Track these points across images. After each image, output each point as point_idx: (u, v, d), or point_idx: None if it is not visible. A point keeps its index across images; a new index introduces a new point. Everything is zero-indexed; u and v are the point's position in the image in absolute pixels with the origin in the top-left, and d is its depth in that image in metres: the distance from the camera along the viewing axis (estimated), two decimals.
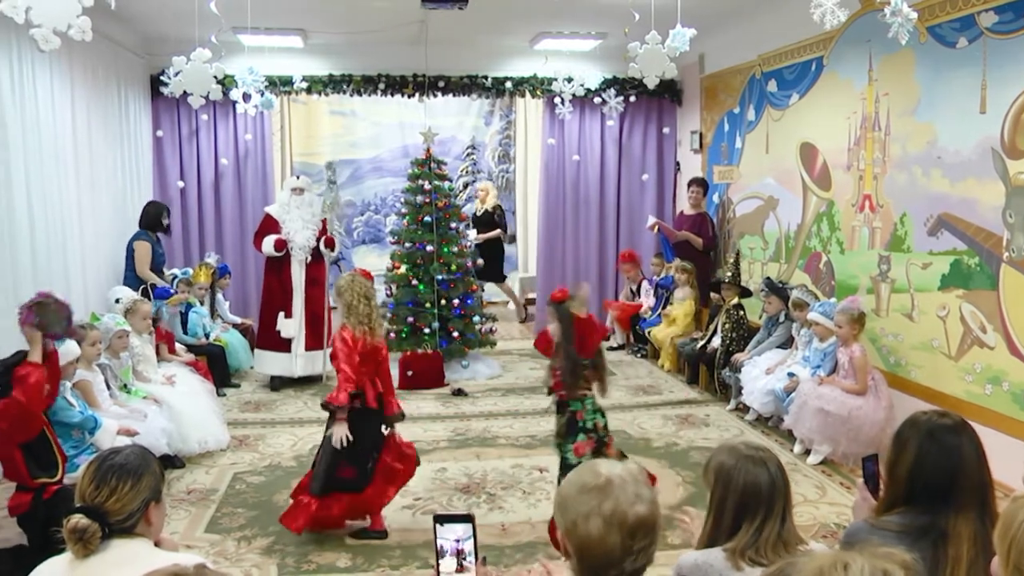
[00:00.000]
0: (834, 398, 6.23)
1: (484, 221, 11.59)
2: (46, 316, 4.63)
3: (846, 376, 6.36)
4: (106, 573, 2.36)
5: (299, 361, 8.60)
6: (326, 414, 5.08)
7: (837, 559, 1.54)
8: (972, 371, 5.93)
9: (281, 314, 8.53)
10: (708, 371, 8.30)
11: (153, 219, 8.60)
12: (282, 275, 8.57)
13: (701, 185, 9.77)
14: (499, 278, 11.89)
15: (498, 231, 11.69)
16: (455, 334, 8.83)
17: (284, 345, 8.56)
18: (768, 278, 7.94)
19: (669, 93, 10.78)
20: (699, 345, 8.44)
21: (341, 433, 4.84)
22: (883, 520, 2.66)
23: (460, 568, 2.30)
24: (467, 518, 2.32)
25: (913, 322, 6.51)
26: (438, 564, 2.29)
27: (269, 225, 8.57)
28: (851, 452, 6.13)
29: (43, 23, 4.22)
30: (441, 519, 2.32)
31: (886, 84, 6.73)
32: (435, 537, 2.31)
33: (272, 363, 8.64)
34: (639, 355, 9.99)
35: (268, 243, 8.44)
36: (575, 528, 2.05)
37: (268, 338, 8.64)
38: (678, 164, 11.10)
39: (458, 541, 2.29)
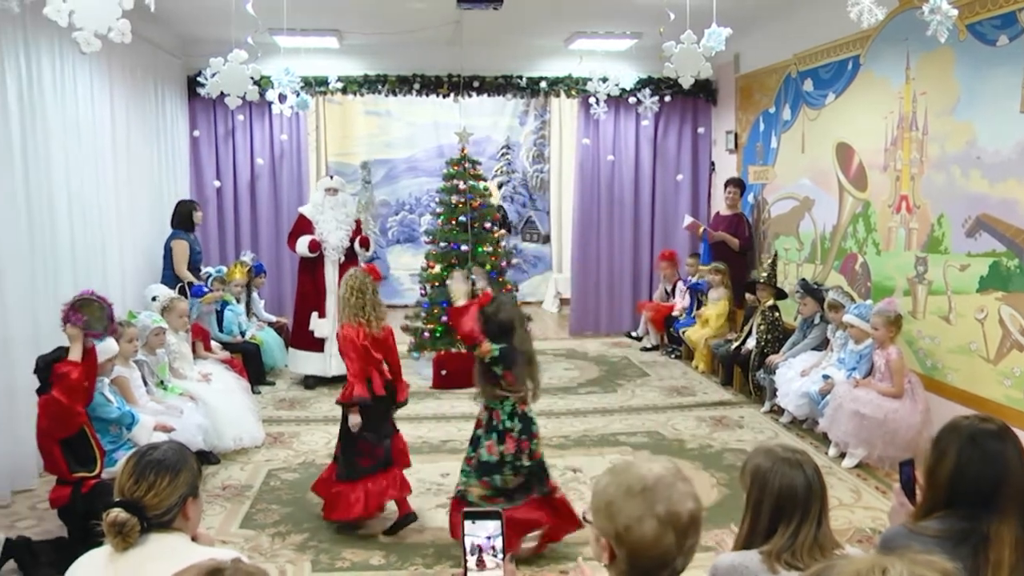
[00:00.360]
0: (870, 401, 6.18)
1: None
2: (90, 315, 4.72)
3: (882, 379, 6.30)
4: (144, 566, 2.39)
5: (332, 361, 8.64)
6: None
7: (875, 563, 1.52)
8: (1011, 375, 5.85)
9: (315, 314, 8.58)
10: (742, 372, 8.26)
11: (185, 217, 8.68)
12: (316, 275, 8.62)
13: (738, 185, 9.72)
14: None
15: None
16: None
17: (318, 345, 8.61)
18: (803, 279, 7.88)
19: (704, 93, 10.74)
20: (734, 346, 8.40)
21: (355, 420, 5.04)
22: (921, 525, 2.63)
23: (481, 563, 2.30)
24: (497, 515, 2.32)
25: (950, 325, 6.43)
26: (466, 561, 2.29)
27: (303, 225, 8.62)
28: (887, 456, 6.07)
29: (85, 26, 4.29)
30: (472, 516, 2.33)
31: (924, 83, 6.66)
32: (464, 534, 2.31)
33: (306, 362, 8.70)
34: (673, 356, 9.95)
35: (302, 244, 8.49)
36: (628, 532, 2.01)
37: (302, 337, 8.70)
38: (713, 164, 11.05)
39: (489, 538, 2.29)
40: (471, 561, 2.29)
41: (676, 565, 2.03)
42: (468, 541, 2.30)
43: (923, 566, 1.50)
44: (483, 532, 2.29)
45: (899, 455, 5.93)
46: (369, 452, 5.13)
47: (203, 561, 1.70)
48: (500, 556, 2.28)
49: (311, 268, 8.65)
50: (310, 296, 8.67)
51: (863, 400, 6.19)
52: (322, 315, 8.61)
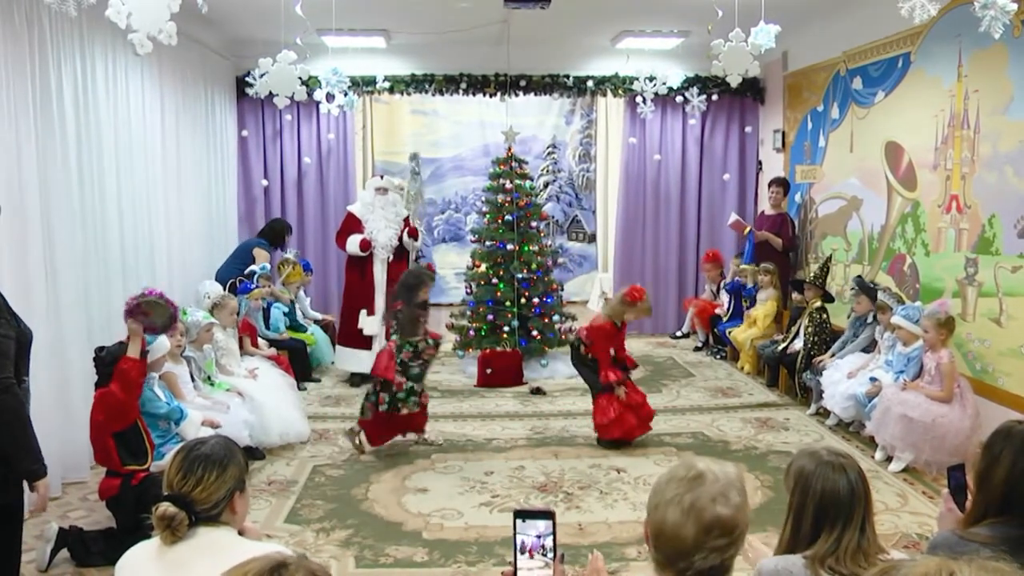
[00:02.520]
0: (918, 404, 6.08)
1: None
2: (155, 315, 4.84)
3: (931, 382, 6.20)
4: (193, 559, 2.43)
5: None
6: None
7: (943, 566, 1.50)
8: None
9: (363, 311, 8.62)
10: (788, 374, 8.19)
11: (278, 235, 9.11)
12: (364, 273, 8.66)
13: (782, 185, 9.64)
14: None
15: None
16: (534, 333, 8.84)
17: (365, 342, 8.66)
18: (859, 277, 7.77)
19: (752, 91, 10.66)
20: (780, 347, 8.32)
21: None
22: (971, 532, 2.59)
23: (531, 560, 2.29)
24: (548, 514, 2.30)
25: (1001, 327, 6.33)
26: (516, 559, 2.28)
27: (352, 224, 8.66)
28: (934, 461, 5.98)
29: (140, 28, 4.37)
30: (522, 514, 2.31)
31: (976, 80, 6.56)
32: (514, 532, 2.29)
33: (353, 360, 8.75)
34: (718, 356, 9.89)
35: (353, 242, 8.54)
36: (655, 511, 2.07)
37: (349, 335, 8.75)
38: (760, 163, 10.97)
39: (539, 537, 2.28)
40: (521, 560, 2.28)
41: (694, 559, 2.02)
42: (518, 540, 2.29)
43: (992, 572, 1.48)
44: (533, 531, 2.28)
45: (947, 460, 5.83)
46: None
47: (270, 553, 1.72)
48: (550, 556, 2.28)
49: (360, 266, 8.69)
50: (358, 294, 8.70)
51: (911, 403, 6.10)
52: (371, 313, 8.65)
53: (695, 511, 2.02)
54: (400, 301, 6.56)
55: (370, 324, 8.63)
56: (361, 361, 8.68)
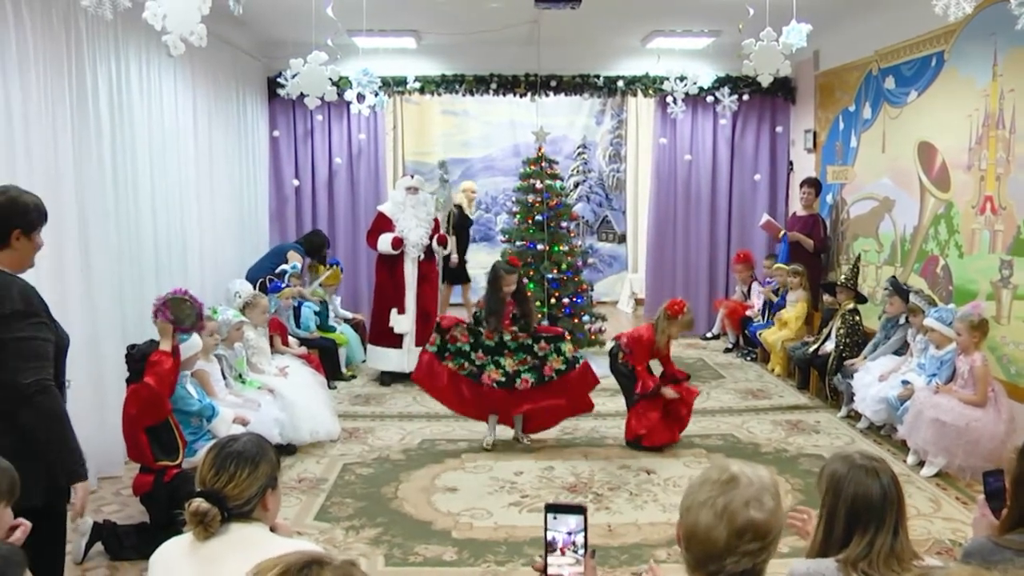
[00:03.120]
0: (951, 408, 6.01)
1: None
2: (181, 313, 4.90)
3: (964, 386, 6.12)
4: (225, 555, 2.45)
5: (410, 357, 8.73)
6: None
7: (977, 573, 1.49)
8: None
9: (394, 310, 8.65)
10: (819, 376, 8.13)
11: (316, 248, 9.21)
12: (395, 272, 8.68)
13: (813, 185, 9.58)
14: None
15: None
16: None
17: (396, 341, 8.69)
18: (893, 277, 7.68)
19: (783, 91, 10.59)
20: (811, 349, 8.26)
21: None
22: (1007, 539, 2.56)
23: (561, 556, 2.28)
24: (579, 509, 2.29)
25: None
26: (547, 554, 2.27)
27: (383, 223, 8.69)
28: (968, 466, 5.90)
29: (174, 30, 4.43)
30: (553, 509, 2.30)
31: (1012, 79, 6.48)
32: (545, 527, 2.29)
33: (384, 359, 8.78)
34: (749, 358, 9.83)
35: (385, 241, 8.57)
36: (688, 514, 2.07)
37: (381, 334, 8.78)
38: (791, 164, 10.90)
39: (570, 534, 2.27)
40: (551, 556, 2.27)
41: (726, 563, 2.02)
42: (549, 535, 2.28)
43: None
44: (564, 527, 2.27)
45: (981, 465, 5.76)
46: None
47: (314, 551, 1.74)
48: (581, 552, 2.27)
49: (390, 265, 8.71)
50: (389, 293, 8.73)
51: (944, 407, 6.03)
52: (401, 311, 8.68)
53: (728, 514, 2.01)
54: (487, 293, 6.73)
55: (401, 323, 8.65)
56: (391, 360, 8.72)
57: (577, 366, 6.70)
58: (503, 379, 6.57)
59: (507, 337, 6.62)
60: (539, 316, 6.97)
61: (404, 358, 8.66)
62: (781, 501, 2.11)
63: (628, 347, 6.76)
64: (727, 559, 2.02)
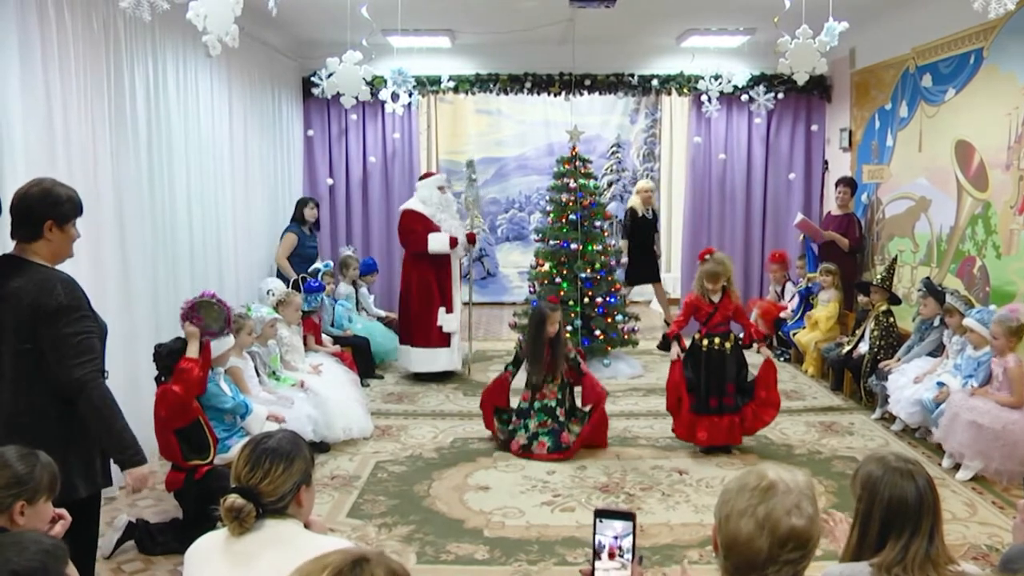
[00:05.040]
0: (987, 411, 5.92)
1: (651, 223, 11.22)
2: (208, 316, 4.96)
3: (999, 388, 6.04)
4: (259, 551, 2.47)
5: (456, 355, 8.83)
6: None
7: None
8: None
9: (442, 309, 8.65)
10: (853, 377, 8.06)
11: (298, 213, 9.09)
12: (442, 271, 8.68)
13: (849, 185, 9.49)
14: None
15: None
16: (597, 333, 8.82)
17: (446, 341, 8.69)
18: (927, 279, 7.60)
19: (818, 89, 10.50)
20: (845, 350, 8.19)
21: None
22: None
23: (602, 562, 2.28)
24: (628, 515, 2.30)
25: None
26: (594, 559, 2.28)
27: (422, 222, 8.57)
28: (1005, 470, 5.81)
29: (213, 30, 4.48)
30: (602, 514, 2.31)
31: None
32: (594, 532, 2.30)
33: (432, 360, 8.72)
34: (782, 359, 9.75)
35: (442, 240, 8.51)
36: (727, 523, 2.05)
37: (429, 335, 8.67)
38: (826, 163, 10.81)
39: (616, 538, 2.27)
40: (599, 561, 2.28)
41: (767, 572, 2.01)
42: (596, 539, 2.29)
43: None
44: (610, 532, 2.27)
45: (1019, 469, 5.71)
46: None
47: (349, 548, 1.74)
48: (627, 556, 2.27)
49: (437, 264, 8.64)
50: (436, 292, 8.64)
51: (980, 410, 5.95)
52: (450, 310, 8.71)
53: (770, 523, 2.00)
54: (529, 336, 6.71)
55: (450, 321, 8.68)
56: (440, 360, 8.72)
57: (587, 418, 6.65)
58: (526, 443, 6.57)
59: (536, 403, 6.62)
60: (572, 354, 6.80)
61: (451, 356, 8.73)
62: (818, 505, 2.10)
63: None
64: (769, 568, 2.01)
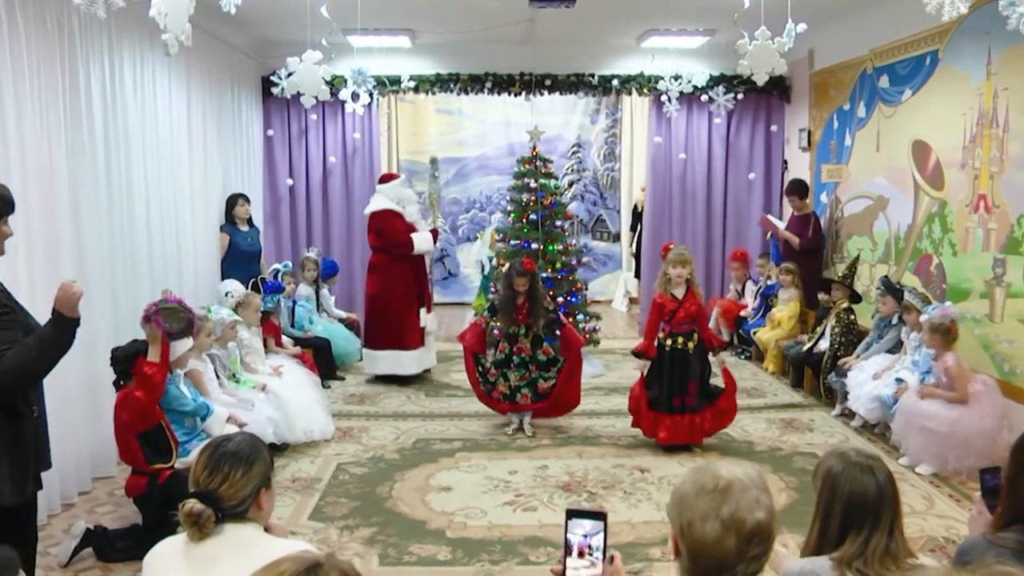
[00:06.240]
0: (934, 414, 6.01)
1: None
2: (173, 323, 4.90)
3: (947, 387, 6.15)
4: (219, 555, 2.44)
5: (427, 356, 8.87)
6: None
7: (950, 575, 1.49)
8: None
9: (423, 309, 8.69)
10: (813, 374, 8.13)
11: (228, 211, 8.94)
12: (417, 270, 8.71)
13: (796, 191, 9.59)
14: None
15: None
16: (558, 332, 8.80)
17: (421, 341, 8.71)
18: (886, 277, 7.70)
19: (778, 90, 10.59)
20: (805, 348, 8.26)
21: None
22: (1002, 536, 2.55)
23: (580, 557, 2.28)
24: (599, 515, 2.29)
25: None
26: (565, 557, 2.28)
27: (399, 221, 8.52)
28: (962, 467, 5.90)
29: (172, 29, 4.44)
30: (574, 514, 2.30)
31: (1006, 78, 6.48)
32: (565, 531, 2.29)
33: (416, 361, 8.72)
34: (743, 357, 9.84)
35: (426, 239, 8.58)
36: (691, 529, 2.02)
37: (407, 336, 8.63)
38: (786, 163, 10.90)
39: (585, 536, 2.26)
40: (570, 560, 2.27)
41: (737, 571, 2.01)
42: (568, 539, 2.28)
43: None
44: (580, 530, 2.27)
45: (975, 464, 5.78)
46: None
47: (299, 553, 1.72)
48: (597, 555, 2.26)
49: (412, 264, 8.64)
50: (414, 292, 8.64)
51: (927, 414, 6.05)
52: (429, 309, 8.79)
53: (735, 523, 1.98)
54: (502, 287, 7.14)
55: (430, 320, 8.79)
56: (417, 361, 8.75)
57: (562, 366, 6.99)
58: (508, 392, 6.95)
59: (514, 357, 6.96)
60: (549, 311, 7.13)
61: (431, 354, 8.89)
62: (770, 492, 2.10)
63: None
64: (738, 567, 2.01)
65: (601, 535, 2.25)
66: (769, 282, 9.70)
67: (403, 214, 8.54)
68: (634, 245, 10.99)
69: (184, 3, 4.53)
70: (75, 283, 3.60)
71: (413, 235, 8.50)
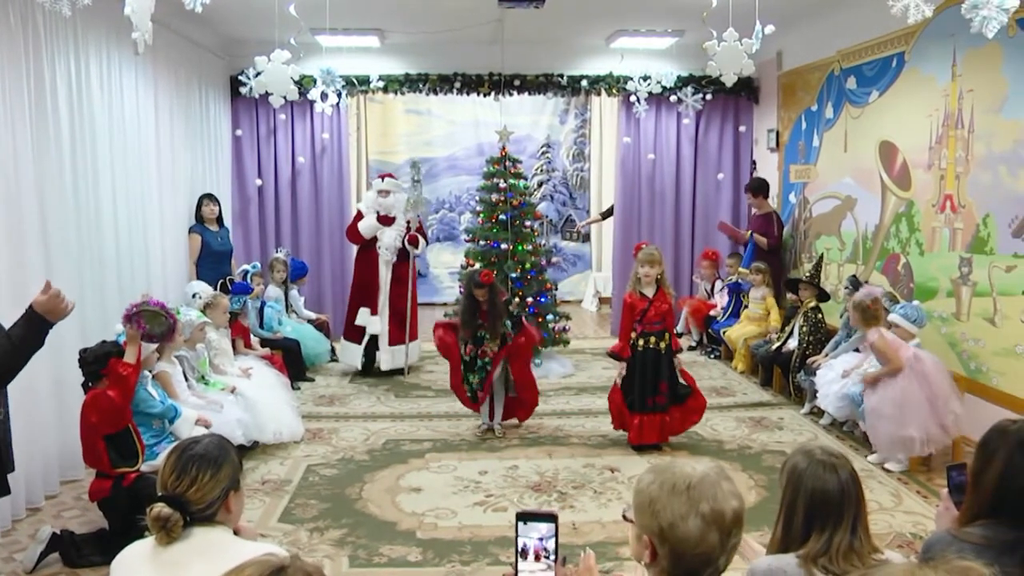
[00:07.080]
0: (882, 398, 6.09)
1: None
2: (154, 326, 4.89)
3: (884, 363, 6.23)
4: (188, 559, 2.42)
5: (384, 356, 8.89)
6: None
7: (912, 571, 1.50)
8: None
9: (366, 310, 8.87)
10: (782, 373, 8.18)
11: (197, 212, 8.98)
12: (370, 273, 8.90)
13: (755, 189, 9.70)
14: None
15: None
16: None
17: (359, 337, 8.94)
18: (854, 276, 7.75)
19: (746, 91, 10.65)
20: (774, 347, 8.31)
21: None
22: (966, 532, 2.57)
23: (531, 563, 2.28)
24: (551, 517, 2.29)
25: (995, 327, 6.34)
26: (517, 562, 2.27)
27: (359, 217, 8.96)
28: (928, 438, 5.94)
29: (140, 27, 4.41)
30: (524, 517, 2.30)
31: (971, 80, 6.56)
32: (516, 534, 2.28)
33: (349, 353, 9.05)
34: (712, 356, 9.89)
35: (368, 225, 8.80)
36: (672, 530, 2.01)
37: (348, 329, 9.08)
38: (754, 163, 10.97)
39: (541, 540, 2.26)
40: (522, 563, 2.26)
41: (719, 564, 2.03)
42: (520, 542, 2.27)
43: (960, 574, 1.48)
44: (535, 533, 2.26)
45: (937, 431, 5.87)
46: None
47: (262, 557, 1.70)
48: (552, 558, 2.26)
49: (367, 265, 8.93)
50: (363, 292, 8.95)
51: (875, 402, 6.14)
52: (374, 312, 8.84)
53: (716, 515, 2.00)
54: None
55: (373, 323, 8.86)
56: (356, 355, 8.95)
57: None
58: (471, 395, 7.02)
59: (478, 360, 6.96)
60: (512, 313, 7.16)
61: (378, 357, 8.99)
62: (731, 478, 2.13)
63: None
64: (721, 559, 2.02)
65: (554, 538, 2.25)
66: (732, 279, 9.76)
67: (366, 215, 8.86)
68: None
69: (148, 1, 4.49)
70: (66, 298, 3.62)
71: (362, 222, 8.86)
